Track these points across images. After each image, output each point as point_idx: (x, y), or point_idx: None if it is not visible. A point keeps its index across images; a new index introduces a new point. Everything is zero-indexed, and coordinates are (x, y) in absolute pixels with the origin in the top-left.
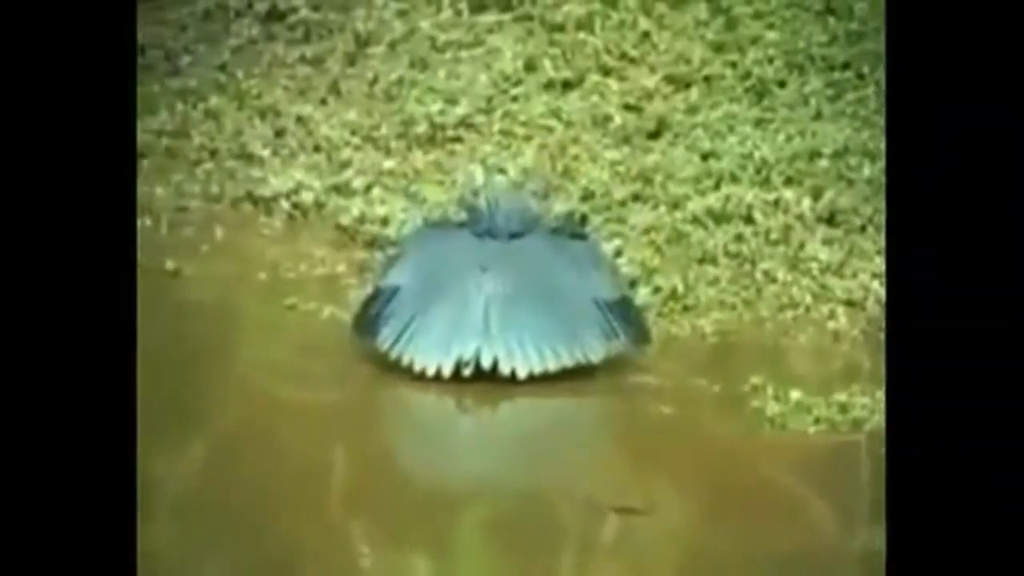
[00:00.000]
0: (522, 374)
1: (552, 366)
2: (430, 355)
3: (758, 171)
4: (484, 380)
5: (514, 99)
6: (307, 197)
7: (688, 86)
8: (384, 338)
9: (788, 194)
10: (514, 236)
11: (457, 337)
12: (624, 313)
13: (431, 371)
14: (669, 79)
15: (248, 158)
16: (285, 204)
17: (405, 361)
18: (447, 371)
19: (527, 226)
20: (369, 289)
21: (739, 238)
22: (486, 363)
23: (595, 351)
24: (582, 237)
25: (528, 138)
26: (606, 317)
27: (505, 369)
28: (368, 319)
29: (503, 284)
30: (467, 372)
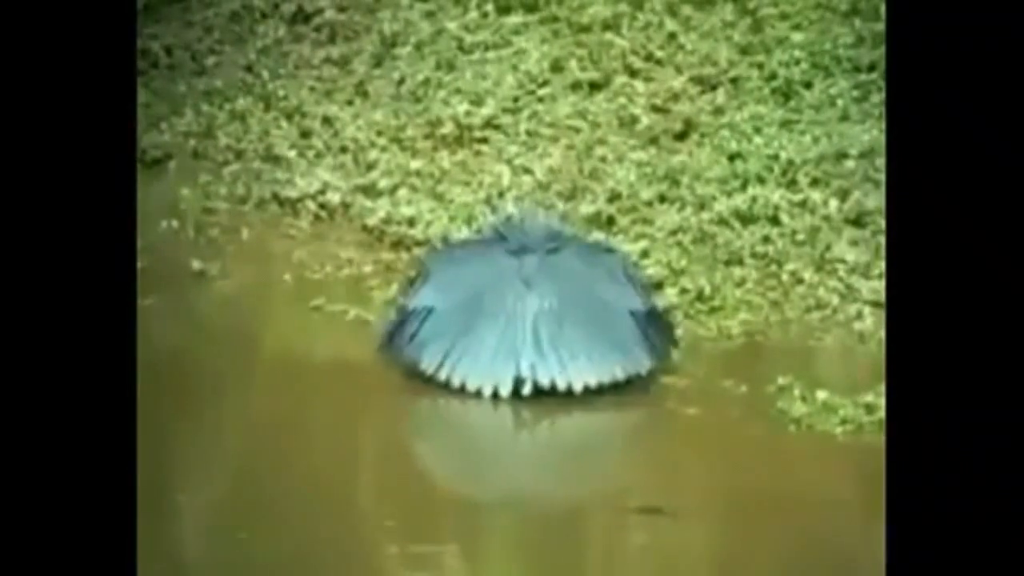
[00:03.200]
0: (578, 388)
1: (606, 379)
2: (484, 376)
3: (784, 172)
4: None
5: (540, 100)
6: (333, 198)
7: (715, 87)
8: (429, 361)
9: (815, 195)
10: (549, 251)
11: (511, 356)
12: (657, 323)
13: (487, 391)
14: (696, 80)
15: (274, 159)
16: (311, 205)
17: (456, 382)
18: (505, 391)
19: (559, 241)
20: (395, 312)
21: (766, 239)
22: (544, 381)
23: (642, 363)
24: (610, 250)
25: (554, 139)
26: (642, 328)
27: (561, 385)
28: (403, 340)
29: (549, 300)
30: (526, 391)
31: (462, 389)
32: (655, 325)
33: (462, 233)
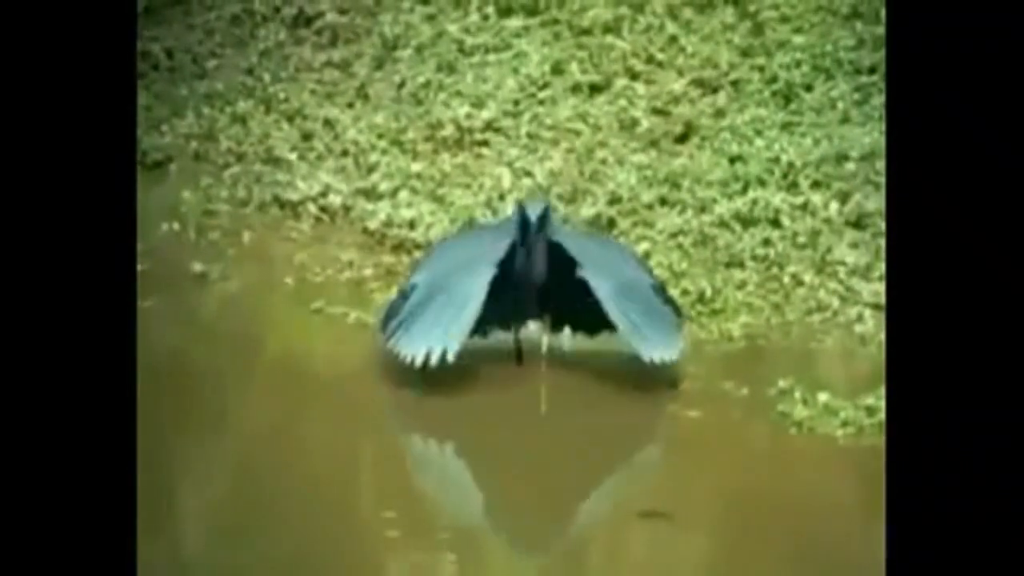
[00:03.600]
0: (661, 359)
1: (680, 348)
2: (415, 346)
3: (785, 175)
4: (514, 385)
5: (541, 103)
6: (334, 201)
7: (715, 90)
8: (387, 333)
9: (815, 198)
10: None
11: (444, 327)
12: (666, 295)
13: (418, 361)
14: (696, 83)
15: (275, 162)
16: (312, 208)
17: (398, 352)
18: (433, 360)
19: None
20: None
21: (766, 242)
22: (646, 355)
23: (681, 328)
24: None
25: (555, 142)
26: (663, 300)
27: (655, 357)
28: (388, 318)
29: (609, 281)
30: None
31: (402, 359)
32: (666, 296)
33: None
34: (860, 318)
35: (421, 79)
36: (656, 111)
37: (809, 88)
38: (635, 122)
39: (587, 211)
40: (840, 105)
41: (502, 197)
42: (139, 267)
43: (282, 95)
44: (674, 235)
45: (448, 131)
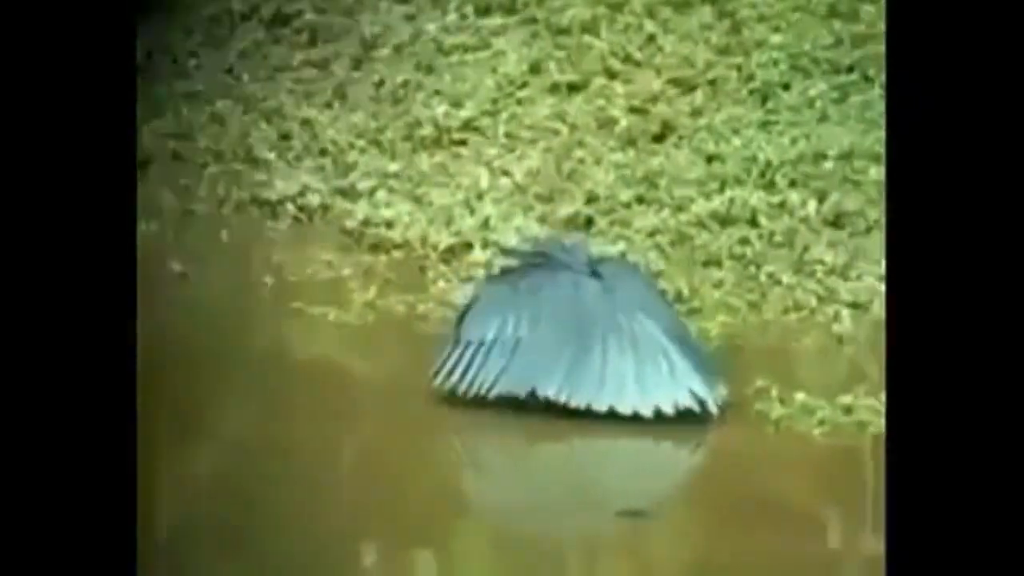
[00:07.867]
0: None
1: None
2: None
3: (763, 174)
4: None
5: (519, 102)
6: (313, 200)
7: (693, 89)
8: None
9: (793, 197)
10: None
11: None
12: None
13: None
14: (674, 82)
15: (254, 161)
16: (291, 207)
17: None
18: None
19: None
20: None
21: (744, 241)
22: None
23: None
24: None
25: (533, 141)
26: None
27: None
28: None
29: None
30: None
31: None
32: None
33: (443, 235)
34: (838, 317)
35: (399, 79)
36: (634, 110)
37: (787, 87)
38: (613, 121)
39: (565, 210)
40: (818, 104)
41: (480, 196)
42: None
43: (260, 95)
44: (651, 234)
45: (426, 130)
